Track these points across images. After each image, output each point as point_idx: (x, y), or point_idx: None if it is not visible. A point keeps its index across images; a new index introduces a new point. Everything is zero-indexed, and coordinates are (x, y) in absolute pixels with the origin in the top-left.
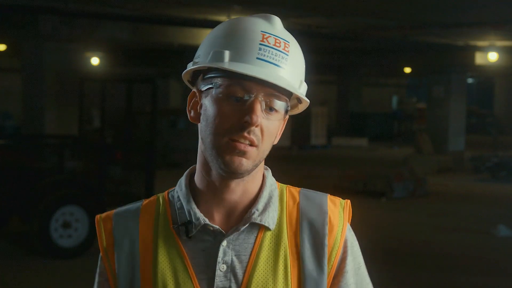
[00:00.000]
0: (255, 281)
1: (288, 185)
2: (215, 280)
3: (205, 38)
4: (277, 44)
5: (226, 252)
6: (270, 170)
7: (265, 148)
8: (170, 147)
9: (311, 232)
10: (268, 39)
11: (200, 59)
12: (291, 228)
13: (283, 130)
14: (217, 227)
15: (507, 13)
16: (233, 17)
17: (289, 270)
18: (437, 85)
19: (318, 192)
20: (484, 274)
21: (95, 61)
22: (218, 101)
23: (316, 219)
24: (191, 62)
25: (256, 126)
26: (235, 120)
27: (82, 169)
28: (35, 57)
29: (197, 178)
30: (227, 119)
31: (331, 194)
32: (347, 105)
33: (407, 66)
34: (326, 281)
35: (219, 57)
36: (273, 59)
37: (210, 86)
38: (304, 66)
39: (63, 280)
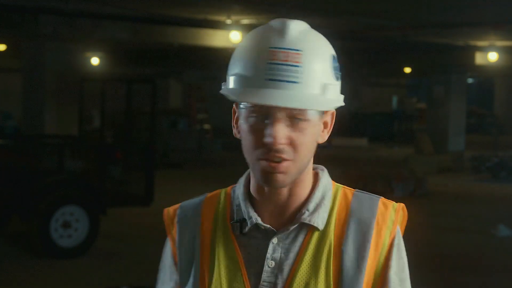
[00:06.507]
0: (299, 278)
1: (344, 186)
2: (262, 275)
3: (231, 56)
4: (286, 58)
5: (275, 249)
6: (326, 170)
7: (303, 157)
8: (170, 147)
9: (356, 233)
10: (277, 54)
11: (226, 81)
12: (339, 227)
13: (332, 124)
14: (268, 226)
15: (507, 13)
16: (233, 17)
17: (330, 267)
18: (437, 85)
19: (373, 194)
20: (484, 274)
21: (95, 61)
22: (246, 120)
23: (364, 221)
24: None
25: (281, 144)
26: (262, 139)
27: (82, 169)
28: (35, 57)
29: (251, 181)
30: (255, 138)
31: None
32: (347, 105)
33: (407, 66)
34: (362, 281)
35: (234, 82)
36: (283, 76)
37: (240, 105)
38: (331, 65)
39: (63, 280)
